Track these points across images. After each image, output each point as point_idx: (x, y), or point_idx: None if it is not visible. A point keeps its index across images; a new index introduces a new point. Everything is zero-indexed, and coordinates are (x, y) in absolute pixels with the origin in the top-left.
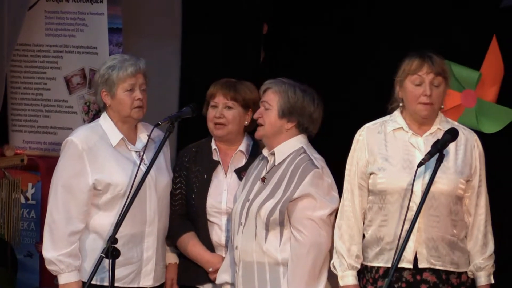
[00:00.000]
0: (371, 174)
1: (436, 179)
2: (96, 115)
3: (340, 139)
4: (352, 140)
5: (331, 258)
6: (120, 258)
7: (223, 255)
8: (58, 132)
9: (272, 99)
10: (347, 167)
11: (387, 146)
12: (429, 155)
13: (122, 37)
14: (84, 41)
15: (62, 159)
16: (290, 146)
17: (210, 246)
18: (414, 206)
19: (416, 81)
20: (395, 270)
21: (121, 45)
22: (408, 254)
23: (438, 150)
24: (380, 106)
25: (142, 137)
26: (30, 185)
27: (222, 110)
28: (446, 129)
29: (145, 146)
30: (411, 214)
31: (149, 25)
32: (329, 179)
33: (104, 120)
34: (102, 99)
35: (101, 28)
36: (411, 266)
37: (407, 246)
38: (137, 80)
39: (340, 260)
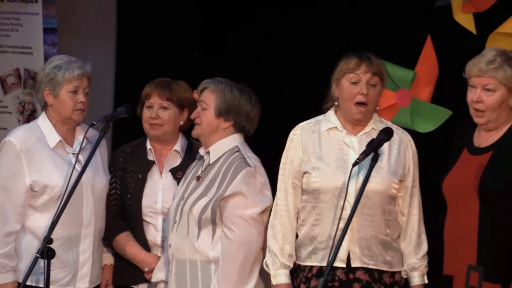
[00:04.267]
0: (305, 173)
1: (370, 178)
2: (31, 115)
3: (275, 139)
4: (286, 139)
5: (263, 257)
6: (55, 261)
7: (159, 255)
8: None
9: (209, 99)
10: (281, 166)
11: (321, 146)
12: (364, 155)
13: (57, 37)
14: (19, 41)
15: None
16: (225, 145)
17: (145, 246)
18: (348, 206)
19: (353, 80)
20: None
21: (56, 45)
22: (341, 253)
23: (373, 149)
24: (314, 106)
25: (80, 139)
26: None
27: (157, 111)
28: (380, 129)
29: (81, 147)
30: (345, 214)
31: (84, 24)
32: (262, 178)
33: (43, 121)
34: (44, 97)
35: (36, 28)
36: (344, 265)
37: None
38: (81, 83)
39: (273, 258)
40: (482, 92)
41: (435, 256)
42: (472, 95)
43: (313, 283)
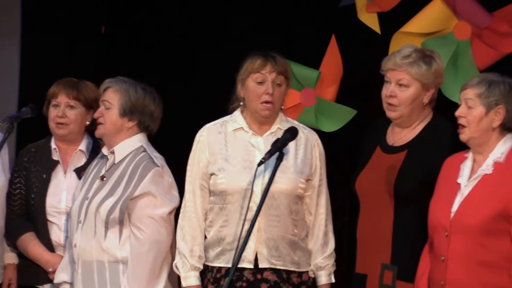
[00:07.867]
0: (211, 174)
1: (276, 178)
2: None
3: (179, 138)
4: (190, 138)
5: (172, 257)
6: None
7: (63, 255)
8: None
9: (113, 98)
10: (188, 167)
11: (227, 146)
12: (269, 154)
13: None
14: None
15: None
16: (130, 144)
17: (49, 246)
18: (254, 206)
19: (258, 79)
20: (236, 270)
21: None
22: (249, 254)
23: (278, 149)
24: (219, 106)
25: None
26: None
27: (64, 110)
28: (286, 128)
29: None
30: (251, 214)
31: None
32: (169, 178)
33: None
34: None
35: None
36: (251, 266)
37: (248, 246)
38: None
39: (182, 260)
40: (396, 87)
41: (338, 255)
42: (386, 89)
43: (222, 283)
